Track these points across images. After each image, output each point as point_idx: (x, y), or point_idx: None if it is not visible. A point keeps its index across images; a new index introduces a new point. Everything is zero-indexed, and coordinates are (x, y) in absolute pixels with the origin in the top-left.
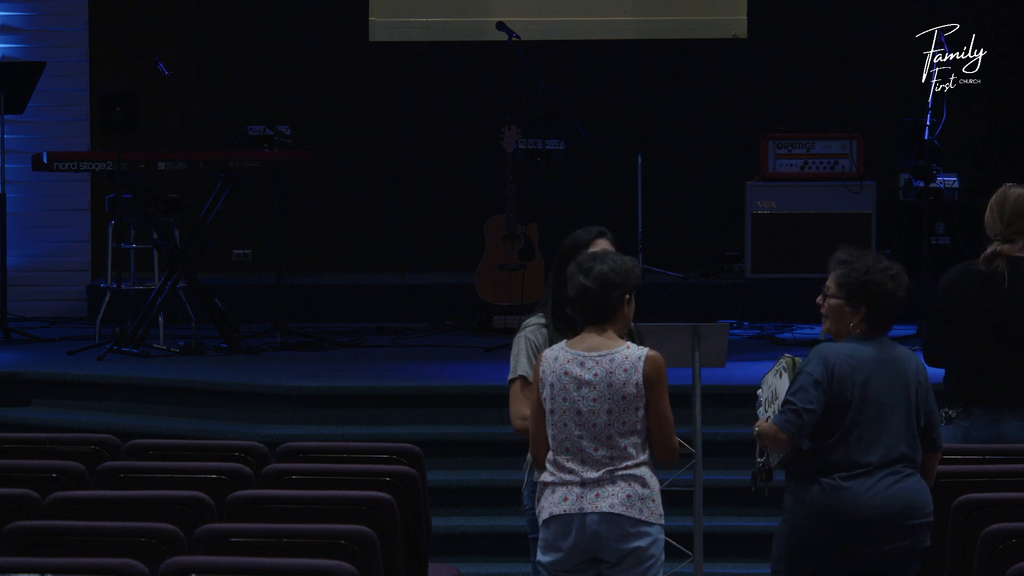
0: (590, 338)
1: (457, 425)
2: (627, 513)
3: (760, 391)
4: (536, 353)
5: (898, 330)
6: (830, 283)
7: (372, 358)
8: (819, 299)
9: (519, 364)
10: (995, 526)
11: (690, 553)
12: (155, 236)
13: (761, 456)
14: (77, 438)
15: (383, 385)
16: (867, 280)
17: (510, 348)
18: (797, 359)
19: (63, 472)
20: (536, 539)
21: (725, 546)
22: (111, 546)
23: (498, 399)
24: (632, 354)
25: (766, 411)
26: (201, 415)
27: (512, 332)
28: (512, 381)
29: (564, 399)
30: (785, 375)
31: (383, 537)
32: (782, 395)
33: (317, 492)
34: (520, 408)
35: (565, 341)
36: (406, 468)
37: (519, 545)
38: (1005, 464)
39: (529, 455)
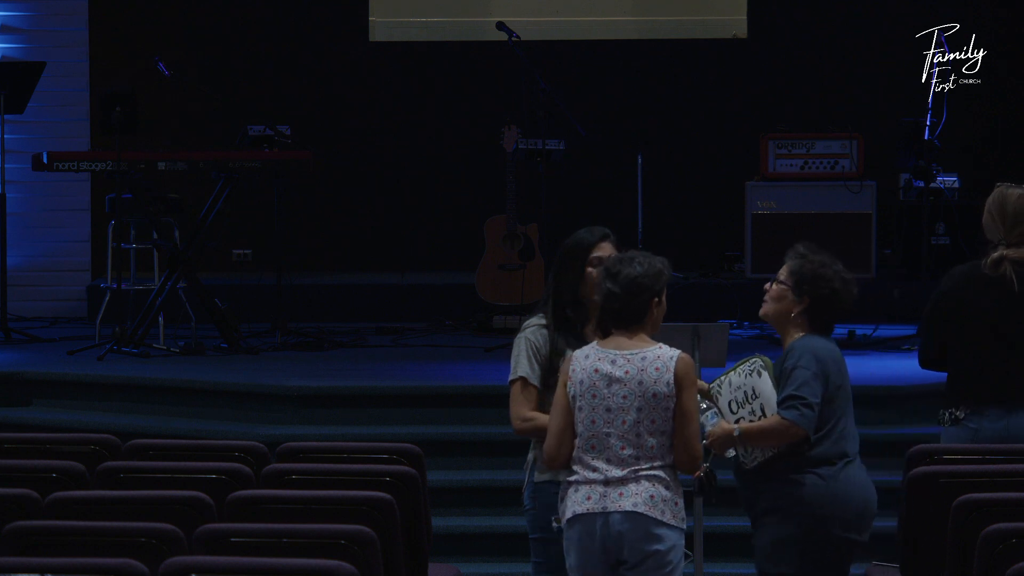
0: (620, 340)
1: (457, 425)
2: (650, 513)
3: (712, 395)
4: (536, 354)
5: (898, 330)
6: (782, 271)
7: (372, 358)
8: (767, 285)
9: (519, 365)
10: (995, 526)
11: (690, 553)
12: (155, 236)
13: (706, 460)
14: (77, 438)
15: (383, 385)
16: (819, 274)
17: (510, 348)
18: (767, 359)
19: (63, 472)
20: (536, 539)
21: (725, 546)
22: (111, 546)
23: (498, 399)
24: (664, 354)
25: (733, 412)
26: (201, 415)
27: (512, 332)
28: (512, 382)
29: (593, 396)
30: (765, 374)
31: (383, 537)
32: (766, 393)
33: (317, 492)
34: (520, 409)
35: (596, 341)
36: (406, 468)
37: (519, 545)
38: (1005, 464)
39: (530, 455)
